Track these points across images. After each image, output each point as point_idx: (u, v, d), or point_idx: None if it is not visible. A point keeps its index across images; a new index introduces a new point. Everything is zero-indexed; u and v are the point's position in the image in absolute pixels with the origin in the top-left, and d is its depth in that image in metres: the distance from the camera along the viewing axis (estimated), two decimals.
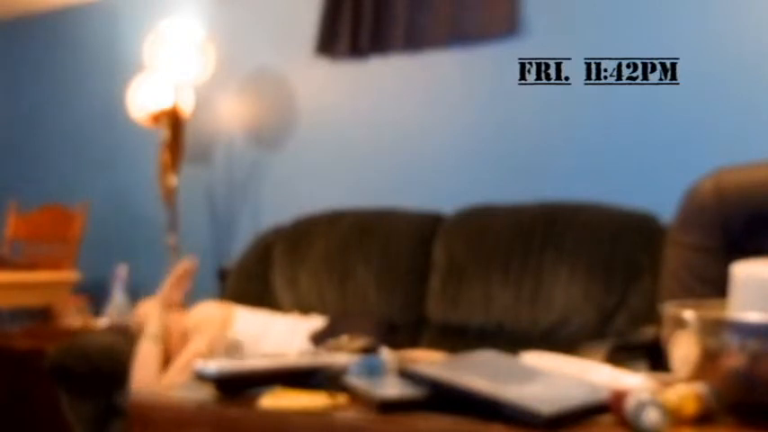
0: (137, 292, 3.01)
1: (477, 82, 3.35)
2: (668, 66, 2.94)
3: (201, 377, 1.44)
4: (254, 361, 1.49)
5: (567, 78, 3.14)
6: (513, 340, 2.63)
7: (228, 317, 2.77)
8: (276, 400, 1.38)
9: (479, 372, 1.33)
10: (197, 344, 2.64)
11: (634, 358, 1.91)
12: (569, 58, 3.13)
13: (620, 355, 1.93)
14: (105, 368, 2.73)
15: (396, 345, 2.24)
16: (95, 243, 4.28)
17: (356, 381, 1.39)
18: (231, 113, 4.01)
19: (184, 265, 2.78)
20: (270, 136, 3.91)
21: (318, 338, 2.68)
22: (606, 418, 1.24)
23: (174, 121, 3.80)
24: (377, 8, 3.47)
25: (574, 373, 1.41)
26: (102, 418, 2.86)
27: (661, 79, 2.96)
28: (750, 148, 2.64)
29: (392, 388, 1.35)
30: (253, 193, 3.94)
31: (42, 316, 4.07)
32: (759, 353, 1.18)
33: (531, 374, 1.37)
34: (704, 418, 1.22)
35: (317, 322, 2.83)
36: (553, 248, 2.74)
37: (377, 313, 2.97)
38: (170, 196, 3.84)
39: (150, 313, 2.72)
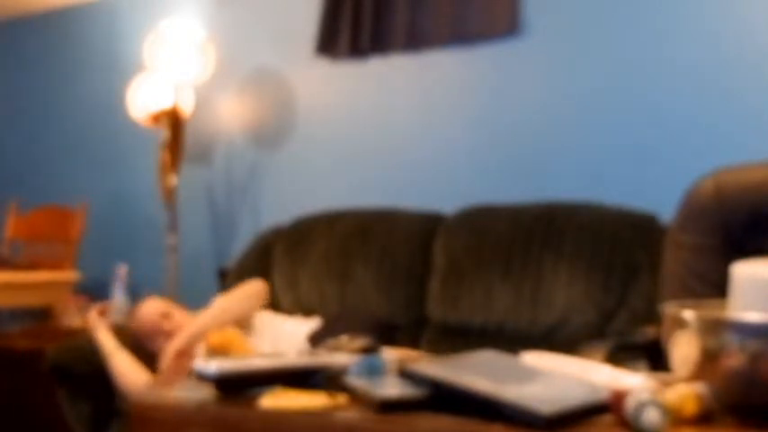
0: (137, 292, 3.01)
1: (478, 82, 3.35)
2: (668, 65, 2.94)
3: (201, 377, 1.44)
4: (254, 361, 1.49)
5: (567, 78, 3.14)
6: (514, 340, 2.63)
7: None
8: (276, 400, 1.38)
9: (479, 372, 1.33)
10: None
11: (634, 358, 1.91)
12: (569, 58, 3.14)
13: (620, 355, 1.93)
14: (105, 368, 2.73)
15: (391, 343, 2.24)
16: (95, 243, 4.28)
17: (356, 381, 1.39)
18: (231, 113, 4.01)
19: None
20: (270, 136, 3.91)
21: (314, 339, 2.68)
22: (606, 418, 1.24)
23: (174, 121, 3.80)
24: (377, 8, 3.47)
25: (574, 373, 1.42)
26: (102, 418, 2.86)
27: (661, 79, 2.96)
28: (750, 148, 2.64)
29: (392, 388, 1.35)
30: (253, 193, 3.94)
31: (42, 316, 4.07)
32: (759, 353, 1.18)
33: (531, 374, 1.37)
34: (704, 418, 1.22)
35: (316, 323, 2.83)
36: (553, 248, 2.74)
37: (376, 313, 2.97)
38: (170, 196, 3.84)
39: (95, 329, 2.75)
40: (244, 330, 2.74)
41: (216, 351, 2.54)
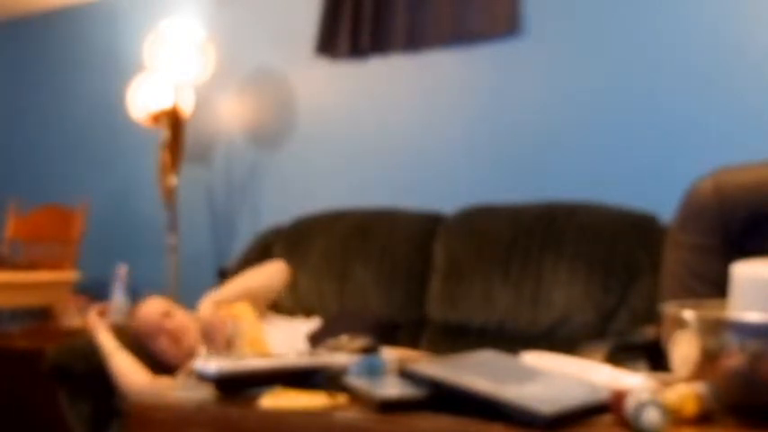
0: (137, 292, 3.00)
1: (478, 82, 3.35)
2: (668, 65, 2.94)
3: (201, 377, 1.44)
4: (254, 361, 1.49)
5: (566, 78, 3.14)
6: (514, 340, 2.63)
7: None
8: (276, 400, 1.38)
9: (479, 372, 1.33)
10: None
11: (634, 358, 1.91)
12: (569, 58, 3.14)
13: (620, 355, 1.93)
14: (105, 368, 2.73)
15: (392, 343, 2.24)
16: (95, 243, 4.28)
17: (356, 381, 1.39)
18: (231, 113, 4.01)
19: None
20: (270, 136, 3.91)
21: (315, 339, 2.68)
22: (606, 418, 1.24)
23: (174, 121, 3.80)
24: (377, 8, 3.47)
25: (574, 373, 1.42)
26: (101, 418, 2.86)
27: (661, 79, 2.96)
28: (750, 148, 2.63)
29: (392, 388, 1.35)
30: (253, 193, 3.94)
31: (42, 316, 4.07)
32: (759, 353, 1.18)
33: (531, 374, 1.37)
34: (704, 418, 1.22)
35: (316, 323, 2.83)
36: (553, 248, 2.74)
37: (376, 313, 2.97)
38: (170, 196, 3.84)
39: (95, 329, 2.75)
40: (259, 315, 2.76)
41: (227, 320, 2.56)
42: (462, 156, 3.36)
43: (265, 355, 2.43)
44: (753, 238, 1.93)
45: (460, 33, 3.31)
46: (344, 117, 3.68)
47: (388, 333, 2.76)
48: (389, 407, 1.30)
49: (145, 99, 3.83)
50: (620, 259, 2.66)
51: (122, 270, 2.97)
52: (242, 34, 3.99)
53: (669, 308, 1.32)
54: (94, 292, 3.90)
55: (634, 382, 1.37)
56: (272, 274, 2.89)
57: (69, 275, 4.06)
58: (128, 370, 2.67)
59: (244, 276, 2.88)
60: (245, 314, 2.61)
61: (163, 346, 2.71)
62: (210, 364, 1.43)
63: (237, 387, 1.45)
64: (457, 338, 2.81)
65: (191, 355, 2.64)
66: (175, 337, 2.70)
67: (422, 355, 2.27)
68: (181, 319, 2.73)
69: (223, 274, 3.57)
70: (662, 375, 1.43)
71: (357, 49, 3.54)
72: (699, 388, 1.23)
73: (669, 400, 1.20)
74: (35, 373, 3.12)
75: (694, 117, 2.89)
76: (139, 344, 2.76)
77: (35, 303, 4.06)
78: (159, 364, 2.70)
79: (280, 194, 3.85)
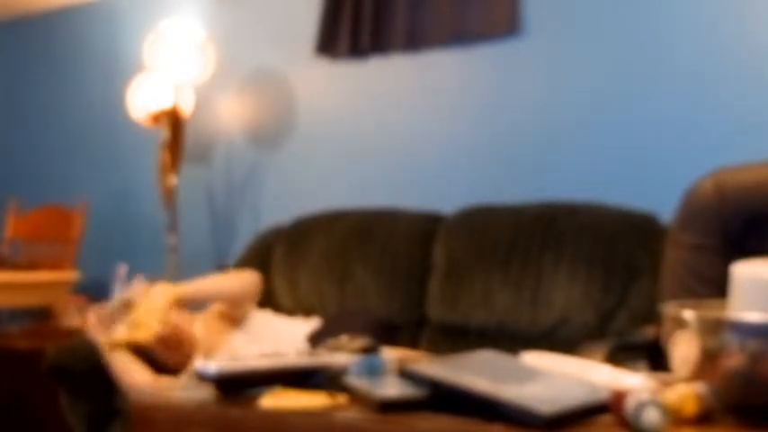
0: None
1: (478, 82, 3.35)
2: (668, 65, 2.94)
3: (201, 377, 1.44)
4: (254, 361, 1.49)
5: (566, 78, 3.14)
6: (514, 340, 2.63)
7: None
8: (276, 400, 1.38)
9: (479, 372, 1.33)
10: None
11: (634, 358, 1.91)
12: (569, 58, 3.14)
13: (620, 355, 1.93)
14: (105, 368, 2.73)
15: (392, 343, 2.24)
16: (95, 243, 4.28)
17: (356, 381, 1.39)
18: (231, 113, 4.01)
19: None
20: (270, 136, 3.91)
21: (314, 339, 2.68)
22: (606, 418, 1.24)
23: (174, 121, 3.80)
24: (377, 8, 3.47)
25: (574, 373, 1.42)
26: (102, 418, 2.86)
27: (661, 79, 2.96)
28: (749, 148, 2.63)
29: (392, 388, 1.35)
30: (253, 193, 3.94)
31: (42, 316, 4.07)
32: (759, 353, 1.18)
33: (531, 374, 1.37)
34: (704, 418, 1.22)
35: (316, 323, 2.83)
36: (553, 248, 2.74)
37: (376, 313, 2.97)
38: (170, 196, 3.84)
39: (93, 329, 2.74)
40: (234, 323, 2.75)
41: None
42: (462, 156, 3.36)
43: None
44: (753, 238, 1.93)
45: (460, 33, 3.31)
46: (344, 117, 3.68)
47: (387, 333, 2.76)
48: (389, 407, 1.30)
49: (145, 99, 3.83)
50: (620, 259, 2.66)
51: (122, 270, 2.97)
52: (242, 34, 3.99)
53: (669, 308, 1.32)
54: (94, 292, 3.89)
55: (634, 382, 1.37)
56: (242, 279, 2.83)
57: (69, 275, 4.06)
58: (129, 368, 2.66)
59: (212, 278, 2.85)
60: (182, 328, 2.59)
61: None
62: (210, 364, 1.43)
63: (237, 387, 1.45)
64: (457, 339, 2.81)
65: (190, 356, 2.64)
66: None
67: (422, 356, 2.27)
68: (181, 321, 2.73)
69: None
70: (662, 375, 1.43)
71: (357, 49, 3.54)
72: (699, 388, 1.23)
73: (669, 400, 1.20)
74: (35, 373, 3.12)
75: (694, 117, 2.89)
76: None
77: (35, 303, 4.07)
78: (159, 365, 2.70)
79: (280, 194, 3.85)
